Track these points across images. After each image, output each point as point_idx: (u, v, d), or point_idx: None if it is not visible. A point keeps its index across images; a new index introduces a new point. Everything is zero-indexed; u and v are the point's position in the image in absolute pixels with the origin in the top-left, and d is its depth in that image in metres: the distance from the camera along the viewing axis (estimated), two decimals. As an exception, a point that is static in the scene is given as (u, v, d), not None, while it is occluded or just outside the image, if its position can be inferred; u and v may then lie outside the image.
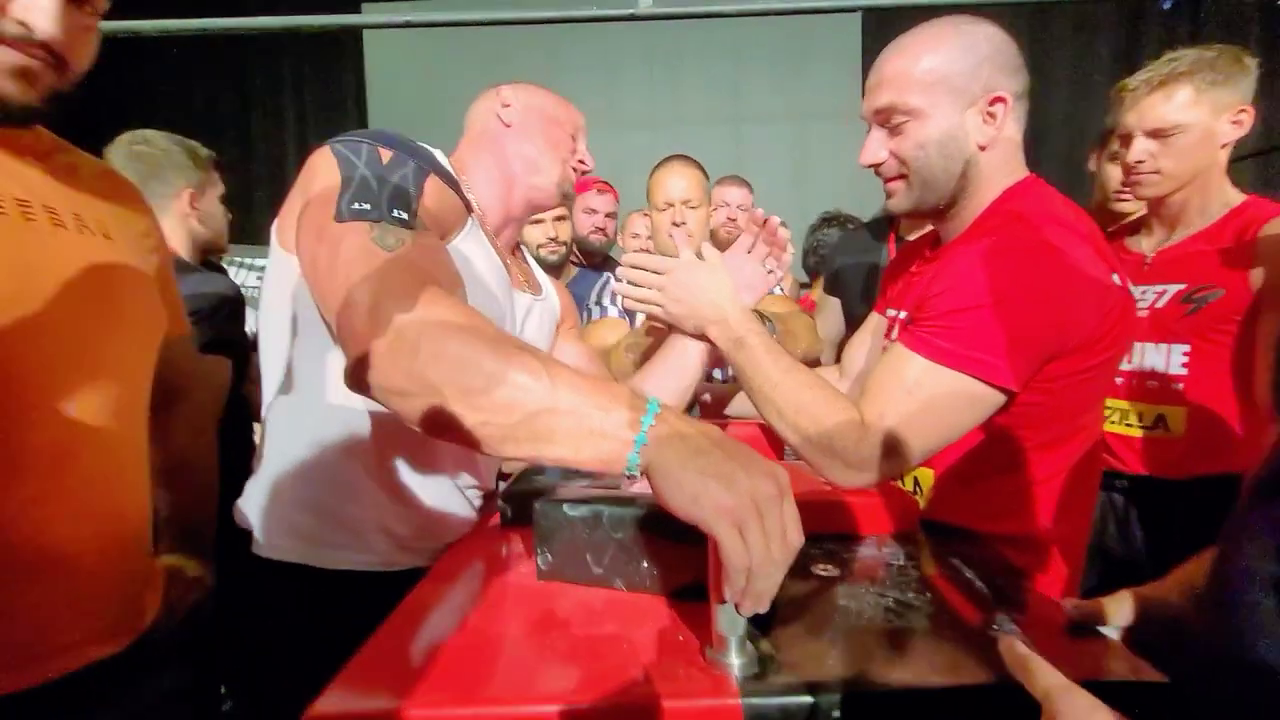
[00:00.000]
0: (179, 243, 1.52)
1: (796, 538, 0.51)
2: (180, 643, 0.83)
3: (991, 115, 0.87)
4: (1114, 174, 1.74)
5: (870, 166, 0.95)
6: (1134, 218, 1.56)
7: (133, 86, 4.04)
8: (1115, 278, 0.82)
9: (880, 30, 3.76)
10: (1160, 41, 3.40)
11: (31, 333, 0.61)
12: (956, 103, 0.87)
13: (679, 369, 1.06)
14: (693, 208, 1.74)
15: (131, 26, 2.17)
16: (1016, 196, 0.89)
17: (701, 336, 1.02)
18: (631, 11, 2.29)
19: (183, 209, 1.54)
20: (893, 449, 0.79)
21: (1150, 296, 1.36)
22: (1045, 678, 0.45)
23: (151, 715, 0.75)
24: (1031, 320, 0.78)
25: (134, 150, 1.51)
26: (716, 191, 2.42)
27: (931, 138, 0.88)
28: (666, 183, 1.77)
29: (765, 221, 1.09)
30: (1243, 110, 1.28)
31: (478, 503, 1.00)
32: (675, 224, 1.74)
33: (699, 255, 1.03)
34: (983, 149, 0.89)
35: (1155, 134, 1.30)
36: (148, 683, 0.74)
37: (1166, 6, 2.29)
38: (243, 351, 1.43)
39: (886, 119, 0.90)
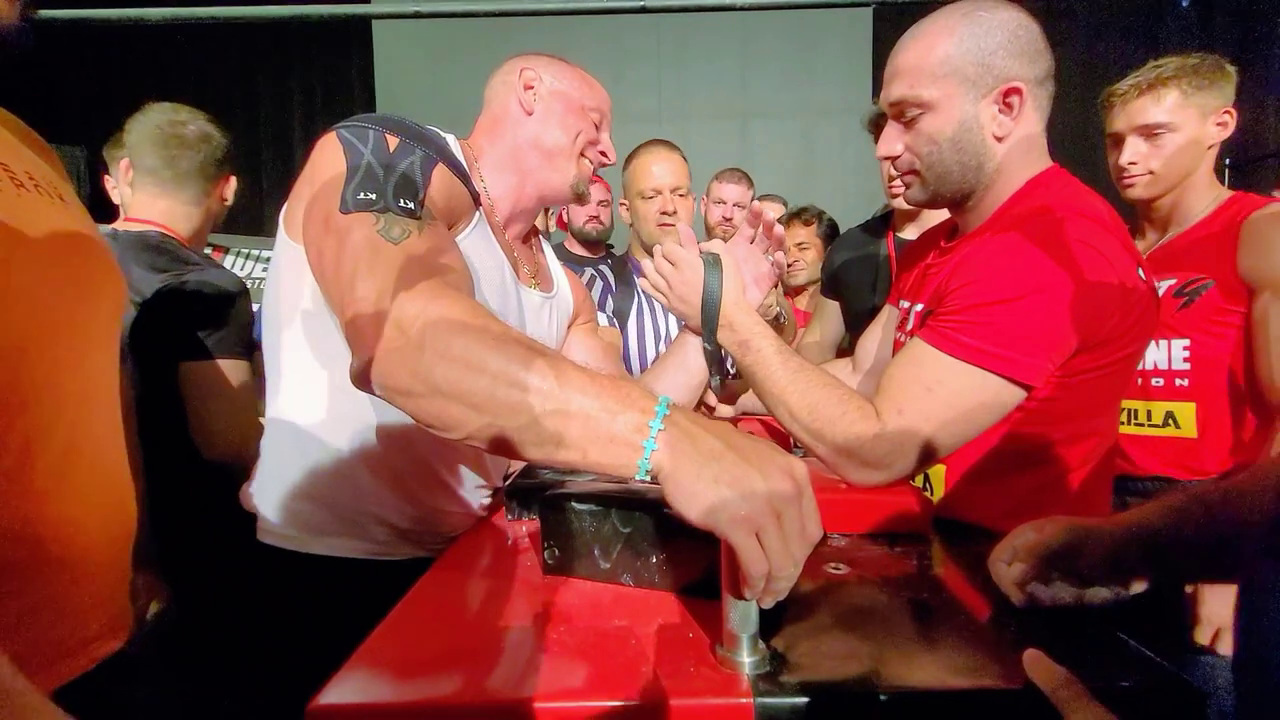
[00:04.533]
0: (182, 224, 1.48)
1: (815, 531, 0.50)
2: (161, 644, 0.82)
3: (1008, 106, 0.85)
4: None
5: (886, 159, 0.94)
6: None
7: (141, 75, 4.04)
8: (1140, 272, 0.81)
9: (893, 24, 3.72)
10: (1178, 38, 3.37)
11: (36, 313, 0.59)
12: (969, 94, 0.85)
13: (688, 365, 1.05)
14: (682, 195, 1.63)
15: (140, 14, 2.17)
16: (1040, 188, 0.87)
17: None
18: (641, 4, 2.27)
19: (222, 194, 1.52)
20: (911, 447, 0.78)
21: None
22: (1061, 685, 0.44)
23: (155, 712, 0.74)
24: (1056, 315, 0.76)
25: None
26: (714, 187, 2.36)
27: (944, 131, 0.87)
28: (653, 169, 1.66)
29: (759, 215, 1.06)
30: (1226, 112, 1.32)
31: (483, 498, 0.99)
32: (665, 213, 1.62)
33: (705, 253, 1.00)
34: (999, 140, 0.87)
35: (1146, 134, 1.34)
36: (146, 679, 0.73)
37: (1184, 4, 2.26)
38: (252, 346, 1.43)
39: (901, 112, 0.89)
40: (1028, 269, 0.77)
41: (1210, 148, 1.34)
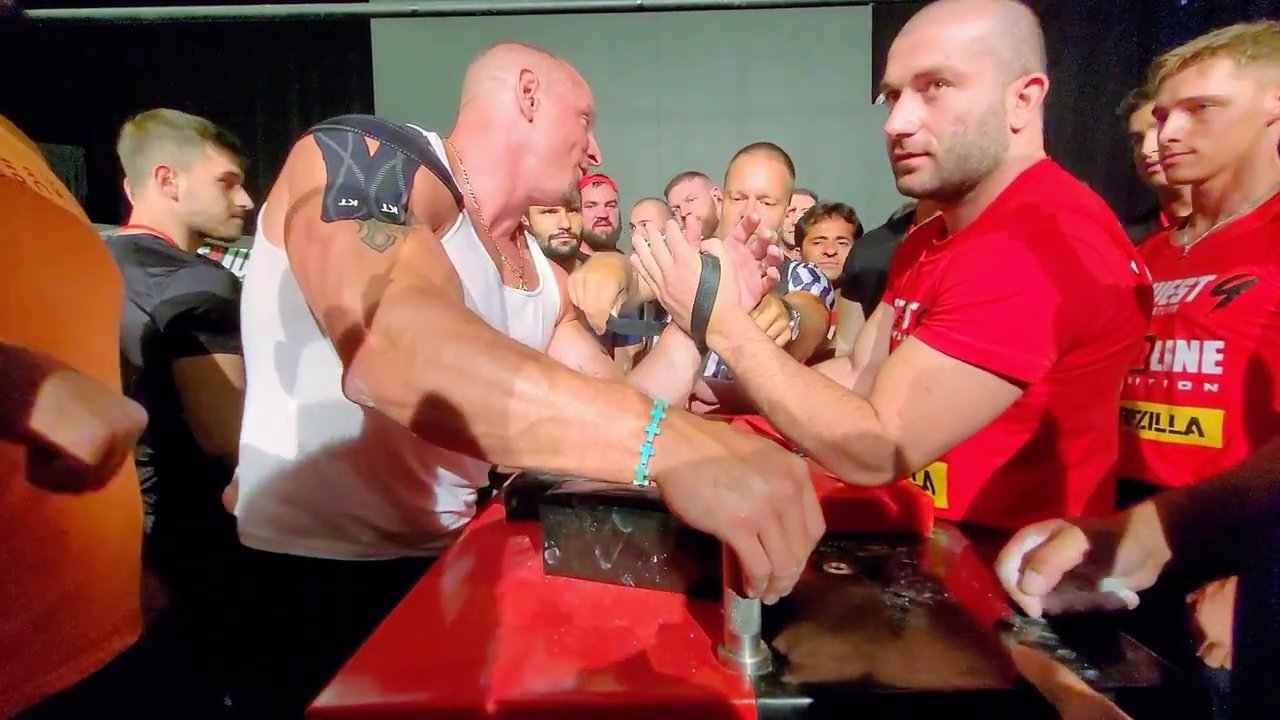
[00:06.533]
0: (170, 226, 1.48)
1: (817, 529, 0.49)
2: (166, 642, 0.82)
3: (1025, 98, 0.84)
4: (1150, 141, 1.62)
5: (898, 136, 0.87)
6: (1184, 214, 1.43)
7: (138, 76, 4.03)
8: (1133, 265, 0.81)
9: (892, 23, 3.72)
10: (1174, 35, 3.37)
11: (42, 309, 0.59)
12: (1000, 77, 0.82)
13: (676, 362, 1.02)
14: (769, 204, 1.61)
15: (135, 14, 2.16)
16: (1032, 181, 0.86)
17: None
18: (639, 2, 2.27)
19: (157, 186, 1.47)
20: (910, 447, 0.77)
21: (1182, 290, 1.23)
22: (1062, 683, 0.44)
23: (164, 708, 0.74)
24: (1049, 312, 0.76)
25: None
26: (671, 193, 2.47)
27: (973, 112, 0.83)
28: (745, 172, 1.64)
29: (753, 226, 1.02)
30: None
31: (466, 496, 0.99)
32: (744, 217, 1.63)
33: (706, 254, 0.96)
34: (1016, 131, 0.85)
35: (1191, 108, 1.20)
36: (153, 676, 0.73)
37: (1183, 2, 2.26)
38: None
39: (927, 84, 0.83)
40: (1020, 266, 0.77)
41: (1271, 124, 1.17)
